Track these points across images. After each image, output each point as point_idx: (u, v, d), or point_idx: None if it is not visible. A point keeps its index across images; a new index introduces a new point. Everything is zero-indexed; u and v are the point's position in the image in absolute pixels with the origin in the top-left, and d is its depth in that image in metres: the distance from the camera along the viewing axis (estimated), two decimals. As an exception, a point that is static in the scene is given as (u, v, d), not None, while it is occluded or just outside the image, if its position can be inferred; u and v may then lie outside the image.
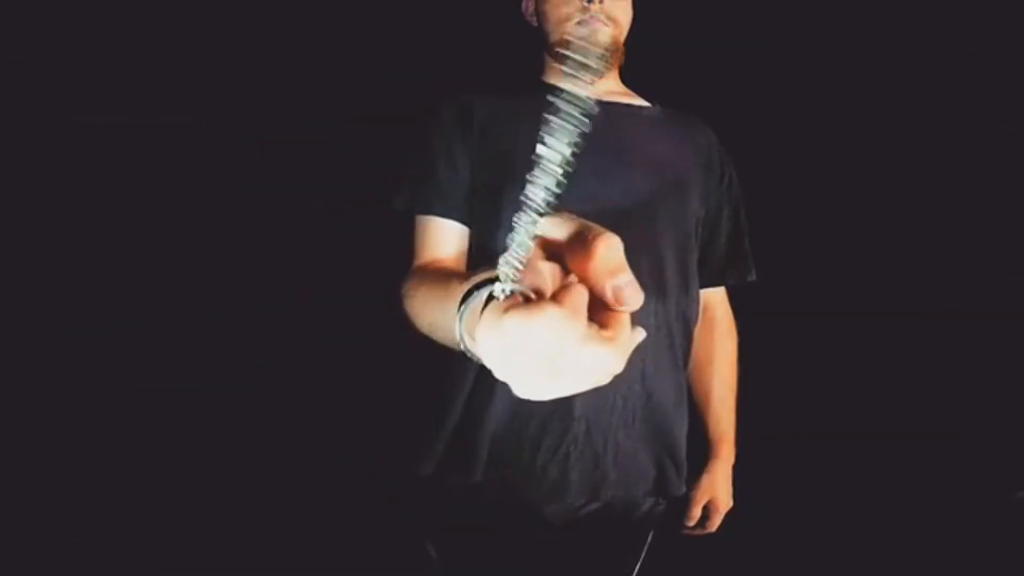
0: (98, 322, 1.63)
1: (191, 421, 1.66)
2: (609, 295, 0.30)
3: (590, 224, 0.31)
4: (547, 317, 0.29)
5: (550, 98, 0.28)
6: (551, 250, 0.32)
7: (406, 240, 0.96)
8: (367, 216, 1.29)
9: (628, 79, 1.11)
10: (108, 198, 1.64)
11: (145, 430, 1.65)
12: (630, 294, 0.30)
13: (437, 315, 0.62)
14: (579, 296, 0.30)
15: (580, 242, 0.30)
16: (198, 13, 1.60)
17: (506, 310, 0.30)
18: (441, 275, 0.81)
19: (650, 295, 0.31)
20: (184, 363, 1.66)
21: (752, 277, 1.12)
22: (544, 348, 0.29)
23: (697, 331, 1.05)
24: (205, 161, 1.66)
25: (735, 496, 1.10)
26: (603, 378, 0.32)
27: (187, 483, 1.64)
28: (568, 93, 0.27)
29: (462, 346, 0.37)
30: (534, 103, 1.02)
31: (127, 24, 1.59)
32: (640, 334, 0.34)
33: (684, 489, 1.01)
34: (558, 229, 0.31)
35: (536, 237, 0.31)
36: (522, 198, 0.30)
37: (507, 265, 0.31)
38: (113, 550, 1.57)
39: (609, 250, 0.30)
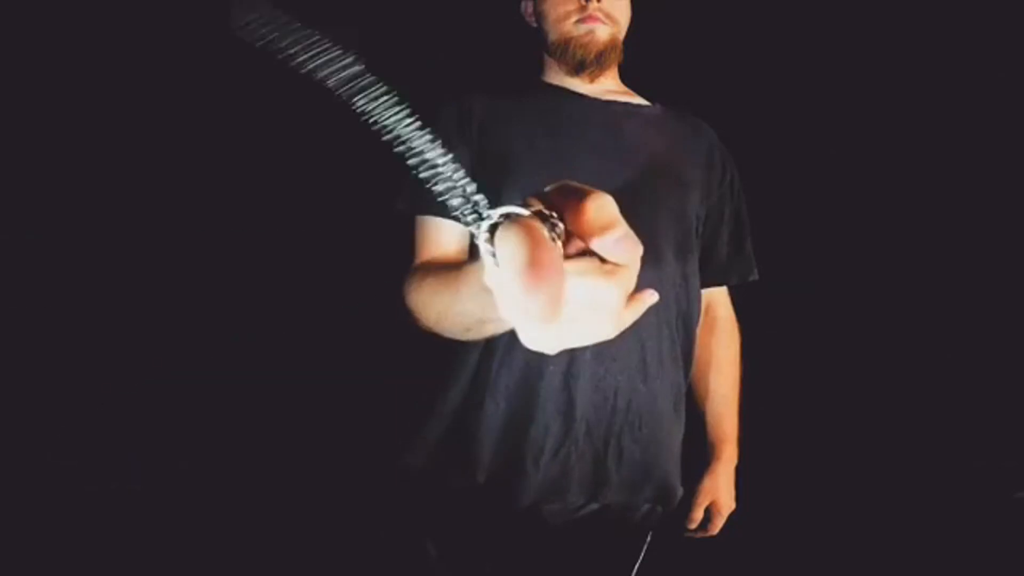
0: (87, 322, 1.63)
1: (188, 416, 1.66)
2: (601, 249, 0.31)
3: (584, 187, 0.32)
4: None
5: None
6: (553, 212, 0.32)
7: (406, 241, 0.95)
8: (366, 217, 1.29)
9: (628, 79, 1.11)
10: (105, 197, 1.64)
11: (128, 422, 1.64)
12: (621, 248, 0.31)
13: (446, 300, 0.62)
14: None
15: (574, 201, 0.31)
16: (198, 14, 1.60)
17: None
18: (448, 267, 0.81)
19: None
20: (180, 358, 1.66)
21: (755, 277, 1.12)
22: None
23: (699, 331, 1.05)
24: (205, 161, 1.66)
25: (737, 498, 1.10)
26: (607, 322, 0.33)
27: (185, 482, 1.64)
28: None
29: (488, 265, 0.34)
30: (533, 103, 1.03)
31: (126, 24, 1.59)
32: (652, 296, 0.35)
33: (681, 493, 1.01)
34: (558, 193, 0.32)
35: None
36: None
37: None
38: (105, 549, 1.56)
39: (601, 206, 0.31)
